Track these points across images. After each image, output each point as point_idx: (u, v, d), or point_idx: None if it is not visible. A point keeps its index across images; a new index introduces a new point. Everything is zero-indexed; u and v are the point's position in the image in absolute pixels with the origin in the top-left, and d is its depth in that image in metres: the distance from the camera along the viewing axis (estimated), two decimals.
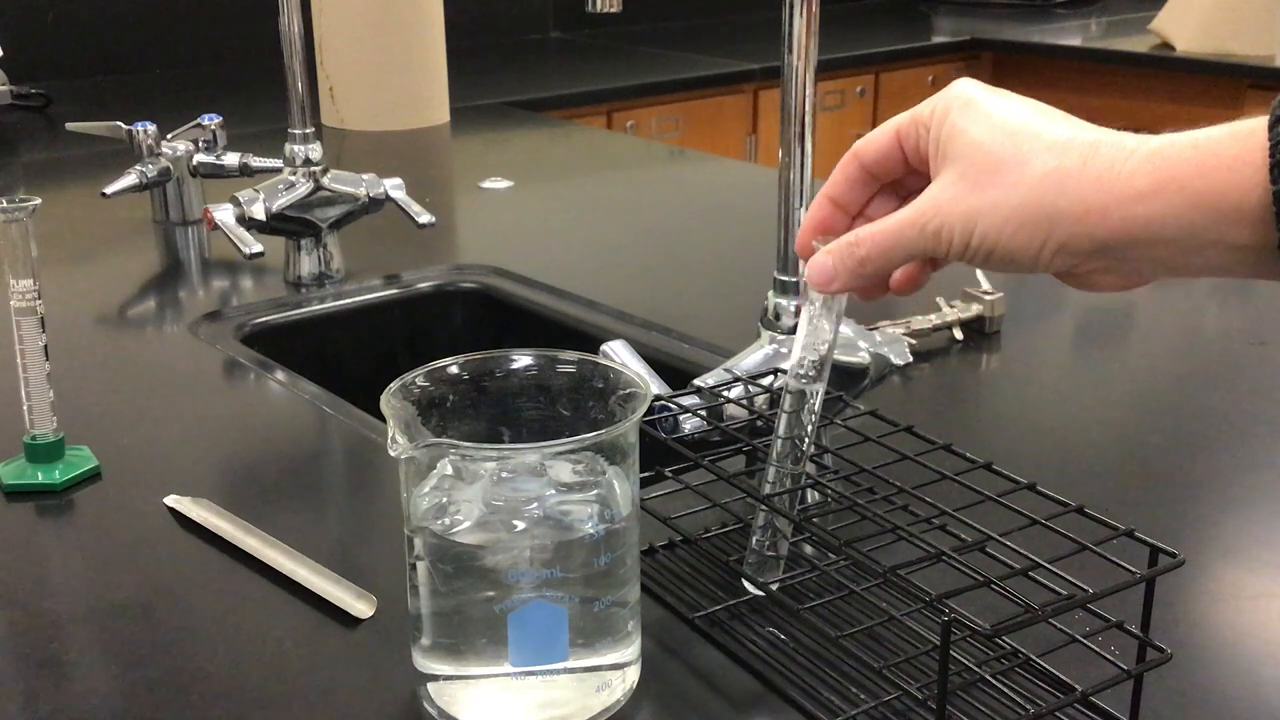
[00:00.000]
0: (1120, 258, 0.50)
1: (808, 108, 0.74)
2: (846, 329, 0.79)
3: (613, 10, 0.85)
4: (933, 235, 0.53)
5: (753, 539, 0.65)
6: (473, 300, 1.28)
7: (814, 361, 0.61)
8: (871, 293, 0.59)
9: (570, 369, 0.62)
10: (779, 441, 0.64)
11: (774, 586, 0.64)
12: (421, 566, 0.58)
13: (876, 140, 0.57)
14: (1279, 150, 0.45)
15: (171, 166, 1.38)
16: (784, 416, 0.63)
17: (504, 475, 0.59)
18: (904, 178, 0.58)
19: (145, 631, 0.67)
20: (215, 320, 1.15)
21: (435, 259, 1.32)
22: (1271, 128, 0.45)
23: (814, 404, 0.62)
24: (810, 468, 0.76)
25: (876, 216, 0.57)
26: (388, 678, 0.63)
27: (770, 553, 0.65)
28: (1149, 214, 0.48)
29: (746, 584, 0.67)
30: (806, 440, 0.63)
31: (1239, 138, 0.47)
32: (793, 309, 0.76)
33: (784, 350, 0.76)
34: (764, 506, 0.64)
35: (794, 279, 0.75)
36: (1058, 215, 0.50)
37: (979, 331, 1.07)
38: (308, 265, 1.23)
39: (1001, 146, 0.51)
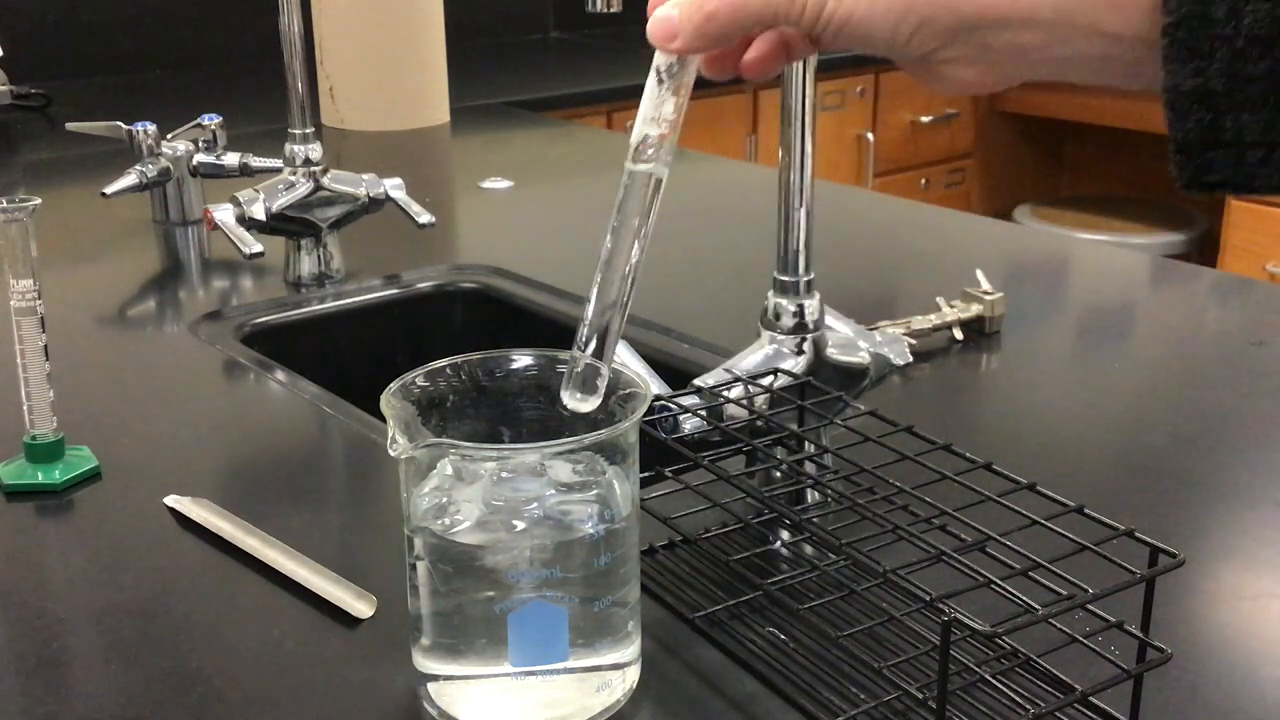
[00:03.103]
0: (984, 43, 0.45)
1: (808, 108, 0.74)
2: (846, 329, 0.79)
3: (613, 10, 0.85)
4: None
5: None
6: (473, 300, 1.28)
7: (655, 138, 0.53)
8: (721, 66, 0.53)
9: None
10: (610, 234, 0.55)
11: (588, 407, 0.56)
12: (421, 566, 0.58)
13: None
14: None
15: (171, 166, 1.38)
16: (621, 202, 0.55)
17: (504, 475, 0.59)
18: None
19: (145, 631, 0.67)
20: (215, 320, 1.15)
21: (435, 259, 1.32)
22: None
23: (653, 194, 0.54)
24: (810, 468, 0.77)
25: None
26: (388, 678, 0.63)
27: (591, 363, 0.56)
28: None
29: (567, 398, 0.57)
30: (646, 233, 0.55)
31: None
32: (792, 309, 0.76)
33: (784, 350, 0.76)
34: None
35: (794, 279, 0.75)
36: None
37: (979, 331, 1.07)
38: (308, 265, 1.23)
39: None
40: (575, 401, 0.56)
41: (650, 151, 0.54)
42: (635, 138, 0.54)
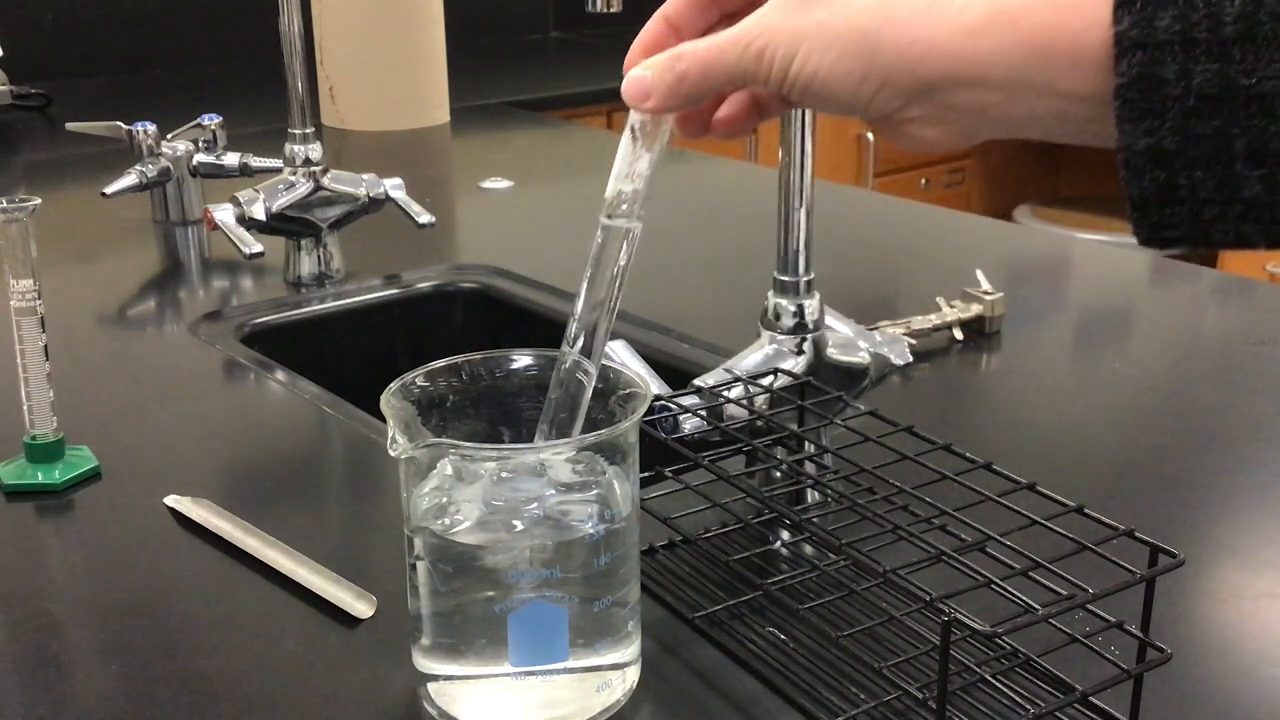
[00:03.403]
0: (944, 103, 0.46)
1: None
2: (846, 329, 0.79)
3: (613, 10, 0.85)
4: (755, 56, 0.49)
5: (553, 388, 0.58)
6: (473, 300, 1.28)
7: (629, 194, 0.54)
8: (693, 124, 0.55)
9: None
10: (584, 289, 0.56)
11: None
12: (421, 566, 0.58)
13: None
14: None
15: (171, 166, 1.38)
16: (595, 256, 0.56)
17: (504, 475, 0.59)
18: (743, 10, 0.53)
19: (145, 631, 0.67)
20: (215, 320, 1.15)
21: (435, 259, 1.32)
22: None
23: (626, 249, 0.55)
24: (810, 468, 0.77)
25: None
26: (388, 678, 0.63)
27: (564, 414, 0.57)
28: (977, 50, 0.44)
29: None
30: (616, 293, 0.56)
31: None
32: (792, 309, 0.76)
33: (784, 350, 0.76)
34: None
35: (794, 279, 0.75)
36: (882, 45, 0.46)
37: (979, 331, 1.07)
38: (308, 265, 1.23)
39: None
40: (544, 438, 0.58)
41: (624, 207, 0.55)
42: (610, 193, 0.55)
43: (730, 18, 0.54)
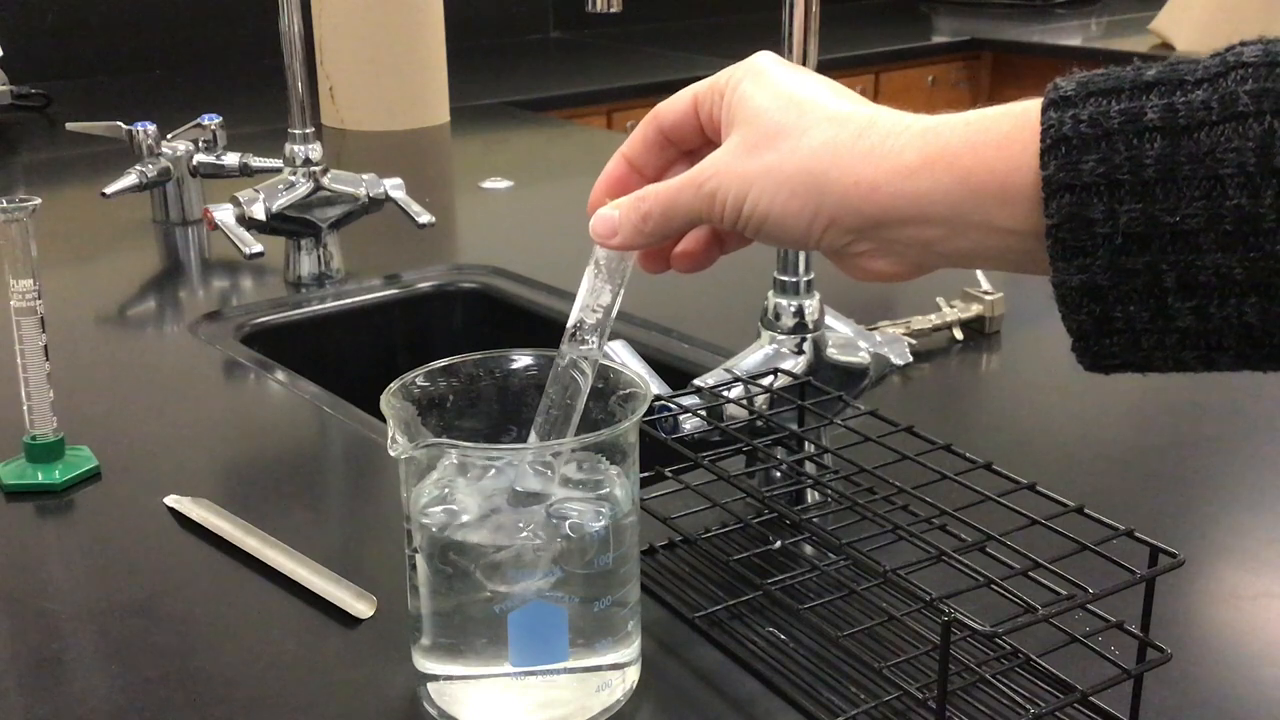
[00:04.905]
0: (890, 238, 0.48)
1: None
2: (846, 329, 0.79)
3: (613, 10, 0.85)
4: (708, 197, 0.51)
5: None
6: (473, 300, 1.28)
7: (591, 325, 0.56)
8: (655, 262, 0.58)
9: None
10: (546, 411, 0.58)
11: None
12: (421, 566, 0.58)
13: (675, 105, 0.56)
14: (1050, 134, 0.43)
15: (171, 166, 1.38)
16: (553, 384, 0.58)
17: (503, 476, 0.59)
18: (701, 148, 0.56)
19: (145, 631, 0.67)
20: (215, 320, 1.15)
21: (435, 259, 1.32)
22: (1045, 110, 0.43)
23: (588, 373, 0.57)
24: (810, 468, 0.77)
25: None
26: (388, 678, 0.63)
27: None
28: (916, 190, 0.46)
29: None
30: (575, 415, 0.57)
31: (1011, 116, 0.45)
32: (792, 309, 0.76)
33: (784, 350, 0.76)
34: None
35: (794, 279, 0.75)
36: (828, 186, 0.48)
37: (979, 331, 1.07)
38: (308, 265, 1.23)
39: (784, 114, 0.50)
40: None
41: (587, 337, 0.57)
42: (572, 322, 0.57)
43: (690, 154, 0.57)
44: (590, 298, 0.57)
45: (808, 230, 0.49)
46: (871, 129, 0.48)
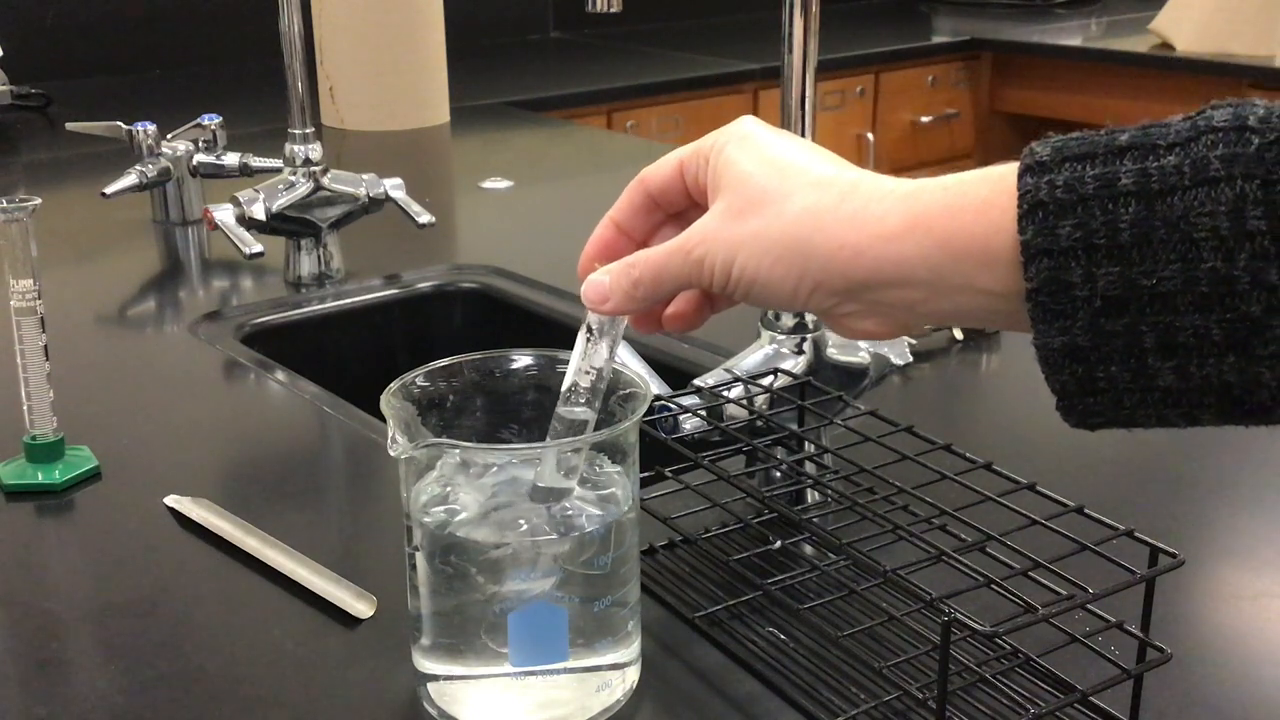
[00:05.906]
0: (875, 300, 0.49)
1: (808, 108, 0.74)
2: None
3: (613, 10, 0.85)
4: (696, 263, 0.52)
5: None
6: (473, 300, 1.28)
7: (586, 388, 0.58)
8: (647, 324, 0.58)
9: None
10: (551, 461, 0.58)
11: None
12: (421, 566, 0.58)
13: (661, 169, 0.57)
14: (1027, 200, 0.43)
15: (171, 166, 1.38)
16: (551, 442, 0.58)
17: (503, 475, 0.59)
18: (687, 210, 0.57)
19: (145, 631, 0.67)
20: (215, 320, 1.15)
21: (435, 259, 1.32)
22: (1021, 176, 0.44)
23: (584, 430, 0.58)
24: (810, 468, 0.77)
25: None
26: (388, 678, 0.63)
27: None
28: (899, 254, 0.47)
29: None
30: (576, 466, 0.58)
31: (989, 181, 0.46)
32: None
33: (784, 350, 0.76)
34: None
35: None
36: (812, 251, 0.49)
37: (979, 331, 1.07)
38: (308, 265, 1.23)
39: (768, 179, 0.51)
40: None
41: (581, 399, 0.58)
42: (566, 384, 0.58)
43: (677, 217, 0.58)
44: (584, 360, 0.58)
45: (794, 293, 0.50)
46: (854, 194, 0.49)
